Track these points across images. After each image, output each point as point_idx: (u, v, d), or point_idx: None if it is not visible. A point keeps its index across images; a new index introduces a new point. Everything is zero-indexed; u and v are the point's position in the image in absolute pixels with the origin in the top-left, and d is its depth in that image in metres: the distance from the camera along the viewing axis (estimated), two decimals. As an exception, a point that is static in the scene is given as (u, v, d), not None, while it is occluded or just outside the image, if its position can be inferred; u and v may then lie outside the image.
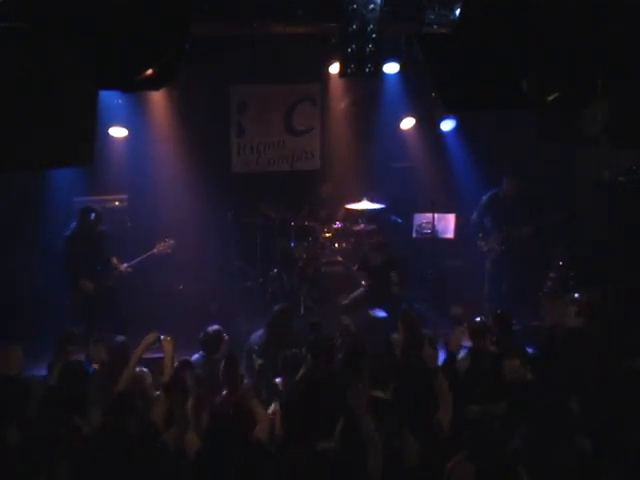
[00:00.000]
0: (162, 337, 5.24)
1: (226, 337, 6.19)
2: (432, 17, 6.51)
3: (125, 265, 7.77)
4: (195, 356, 6.16)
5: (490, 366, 5.48)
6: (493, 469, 3.98)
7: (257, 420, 4.69)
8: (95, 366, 6.19)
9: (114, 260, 7.79)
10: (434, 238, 9.28)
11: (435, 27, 6.54)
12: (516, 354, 5.47)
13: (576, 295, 7.01)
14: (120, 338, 6.00)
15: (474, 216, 8.81)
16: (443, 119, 9.46)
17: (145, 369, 5.70)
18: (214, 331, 6.13)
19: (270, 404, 5.22)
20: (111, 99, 8.20)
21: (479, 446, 4.12)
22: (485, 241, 8.70)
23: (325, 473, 4.19)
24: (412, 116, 9.59)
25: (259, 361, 6.18)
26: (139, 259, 7.92)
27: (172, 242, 8.13)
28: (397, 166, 9.98)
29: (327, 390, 4.97)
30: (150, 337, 5.28)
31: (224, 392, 5.31)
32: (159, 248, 8.04)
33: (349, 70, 6.73)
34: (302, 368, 5.44)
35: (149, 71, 3.26)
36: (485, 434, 4.22)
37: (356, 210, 9.28)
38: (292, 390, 5.17)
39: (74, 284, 7.48)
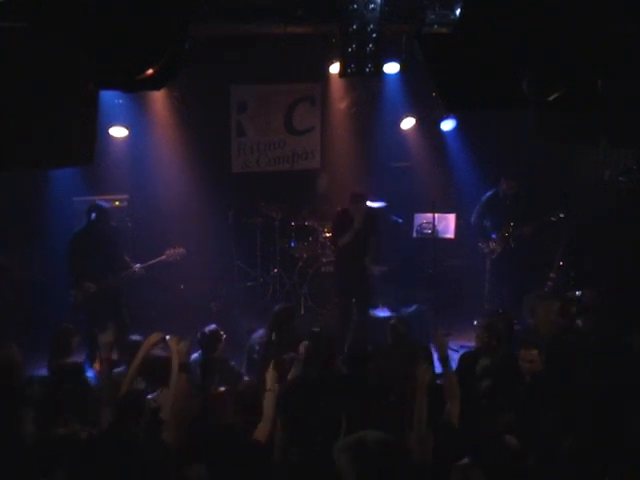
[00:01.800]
0: (168, 337, 5.20)
1: (224, 336, 6.18)
2: (432, 17, 6.54)
3: (138, 266, 7.68)
4: (194, 355, 6.16)
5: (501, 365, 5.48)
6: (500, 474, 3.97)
7: (261, 418, 4.67)
8: (95, 367, 6.18)
9: (127, 258, 7.71)
10: (434, 238, 9.29)
11: (435, 27, 6.57)
12: (534, 345, 5.46)
13: (577, 293, 7.00)
14: (135, 337, 5.96)
15: (473, 217, 8.81)
16: (443, 119, 9.47)
17: None
18: (210, 331, 6.11)
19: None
20: (111, 99, 8.20)
21: (485, 451, 4.10)
22: (486, 242, 8.70)
23: (328, 474, 4.19)
24: (412, 116, 9.60)
25: None
26: (151, 262, 7.80)
27: (182, 250, 7.93)
28: (397, 166, 10.01)
29: (327, 391, 4.97)
30: (153, 338, 5.21)
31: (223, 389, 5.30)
32: (169, 255, 7.88)
33: (349, 70, 6.74)
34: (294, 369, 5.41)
35: (150, 71, 3.25)
36: (491, 439, 4.21)
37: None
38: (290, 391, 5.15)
39: (77, 285, 7.47)
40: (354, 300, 7.99)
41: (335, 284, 8.37)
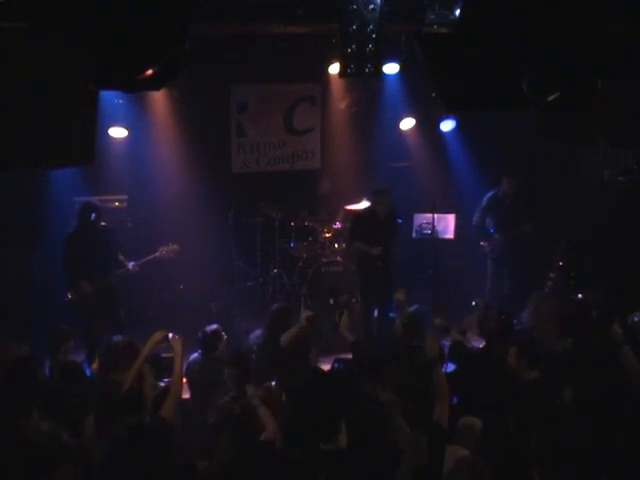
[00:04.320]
0: (171, 336, 5.18)
1: (225, 336, 6.18)
2: (432, 17, 6.52)
3: (132, 264, 7.69)
4: (194, 355, 6.16)
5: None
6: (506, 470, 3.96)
7: (264, 426, 4.67)
8: (94, 367, 6.18)
9: (120, 257, 7.74)
10: (434, 238, 9.28)
11: (435, 27, 6.55)
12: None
13: (579, 295, 6.99)
14: (118, 337, 5.98)
15: (475, 218, 8.82)
16: (443, 119, 9.47)
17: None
18: (212, 330, 6.11)
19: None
20: (111, 99, 8.19)
21: (492, 447, 4.10)
22: (488, 241, 8.71)
23: (328, 475, 4.19)
24: (412, 116, 9.59)
25: None
26: (145, 260, 7.84)
27: (176, 247, 7.96)
28: (397, 166, 9.99)
29: (328, 392, 4.97)
30: (157, 335, 5.16)
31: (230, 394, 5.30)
32: (162, 252, 7.91)
33: (349, 70, 6.73)
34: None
35: (149, 71, 3.26)
36: (498, 435, 4.20)
37: (356, 210, 9.28)
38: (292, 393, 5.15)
39: (73, 284, 7.46)
40: (375, 301, 8.04)
41: (358, 286, 8.36)
